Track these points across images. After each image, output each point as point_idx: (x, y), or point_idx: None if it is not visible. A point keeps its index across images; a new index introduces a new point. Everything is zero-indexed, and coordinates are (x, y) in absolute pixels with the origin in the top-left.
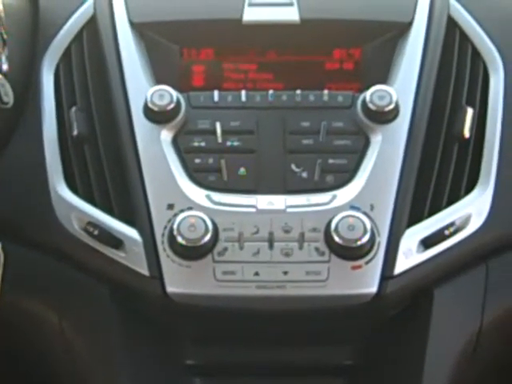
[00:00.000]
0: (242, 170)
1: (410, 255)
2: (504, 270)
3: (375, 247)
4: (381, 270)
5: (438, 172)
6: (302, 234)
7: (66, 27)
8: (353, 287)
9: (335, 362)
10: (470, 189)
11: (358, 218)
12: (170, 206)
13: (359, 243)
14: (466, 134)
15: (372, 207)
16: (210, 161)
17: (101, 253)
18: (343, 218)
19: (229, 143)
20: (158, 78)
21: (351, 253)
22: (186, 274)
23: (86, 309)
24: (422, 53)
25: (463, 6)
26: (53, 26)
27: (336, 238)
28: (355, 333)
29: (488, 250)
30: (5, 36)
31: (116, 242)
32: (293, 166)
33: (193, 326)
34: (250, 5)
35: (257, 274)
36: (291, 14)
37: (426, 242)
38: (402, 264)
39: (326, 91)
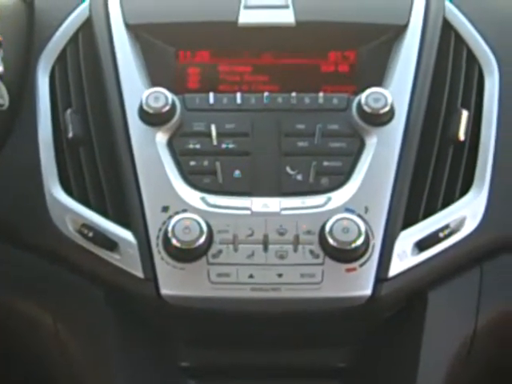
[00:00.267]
0: (237, 173)
1: (404, 258)
2: (498, 272)
3: (369, 250)
4: (375, 272)
5: (432, 174)
6: (297, 237)
7: (61, 29)
8: (347, 290)
9: (330, 364)
10: (464, 191)
11: (352, 220)
12: (165, 209)
13: (353, 246)
14: (461, 136)
15: (366, 209)
16: (205, 163)
17: (95, 255)
18: (338, 220)
19: (224, 145)
20: (154, 80)
21: (345, 255)
22: (181, 276)
23: (81, 311)
24: (417, 55)
25: (458, 8)
26: (48, 28)
27: (330, 241)
28: (350, 335)
29: (482, 253)
30: (0, 38)
31: (110, 244)
32: (288, 169)
33: (187, 328)
34: (246, 7)
35: (251, 276)
36: (287, 17)
37: (421, 245)
38: (396, 266)
39: (321, 94)
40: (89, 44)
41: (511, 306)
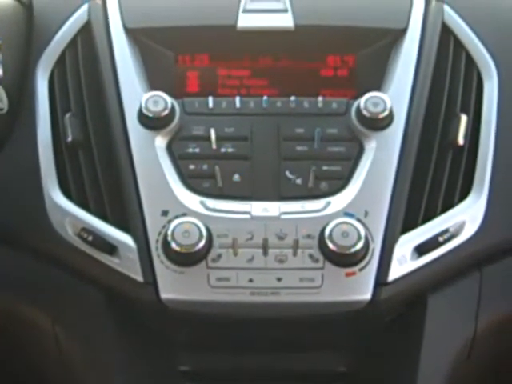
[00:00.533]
0: (237, 177)
1: (404, 262)
2: (498, 276)
3: (369, 254)
4: (375, 276)
5: (432, 179)
6: (296, 241)
7: (60, 33)
8: (347, 294)
9: (329, 368)
10: (464, 196)
11: (351, 224)
12: (165, 213)
13: (353, 250)
14: (460, 140)
15: (366, 214)
16: (205, 167)
17: (95, 259)
18: (337, 224)
19: (223, 149)
20: (153, 84)
21: (345, 259)
22: (180, 280)
23: (81, 314)
24: (416, 60)
25: (457, 12)
26: (47, 32)
27: (330, 245)
28: (349, 339)
29: (482, 257)
30: None
31: (110, 248)
32: (287, 173)
33: (187, 332)
34: (245, 11)
35: (251, 280)
36: (286, 21)
37: (420, 249)
38: (395, 271)
39: (320, 98)
40: (88, 48)
41: (511, 310)
